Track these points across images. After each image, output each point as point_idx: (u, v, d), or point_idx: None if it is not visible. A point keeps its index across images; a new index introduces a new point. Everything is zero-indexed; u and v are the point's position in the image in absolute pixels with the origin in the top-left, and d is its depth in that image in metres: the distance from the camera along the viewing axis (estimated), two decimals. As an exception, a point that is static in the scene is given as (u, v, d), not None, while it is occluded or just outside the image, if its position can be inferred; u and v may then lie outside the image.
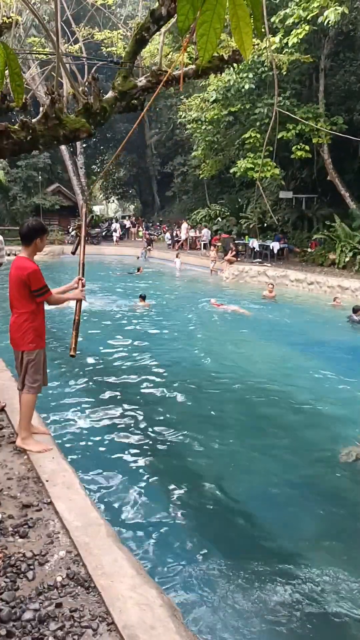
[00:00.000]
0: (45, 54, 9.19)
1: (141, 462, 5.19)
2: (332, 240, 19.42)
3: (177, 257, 22.55)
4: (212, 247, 22.78)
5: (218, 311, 13.82)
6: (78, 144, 31.63)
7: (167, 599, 2.68)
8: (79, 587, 2.65)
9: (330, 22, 14.33)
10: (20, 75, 1.57)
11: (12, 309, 4.19)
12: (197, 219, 27.86)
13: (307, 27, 15.44)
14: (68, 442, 5.47)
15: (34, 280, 4.02)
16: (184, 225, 27.21)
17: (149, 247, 27.51)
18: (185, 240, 26.44)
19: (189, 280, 20.13)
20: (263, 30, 1.86)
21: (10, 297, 4.15)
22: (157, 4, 5.13)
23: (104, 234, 31.15)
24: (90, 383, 7.61)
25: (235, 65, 6.72)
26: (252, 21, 1.64)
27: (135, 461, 5.20)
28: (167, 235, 28.87)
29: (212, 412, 6.78)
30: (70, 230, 31.13)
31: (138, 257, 26.72)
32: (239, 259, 21.17)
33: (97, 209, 43.96)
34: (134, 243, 31.10)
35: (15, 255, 4.40)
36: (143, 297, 13.92)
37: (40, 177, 31.51)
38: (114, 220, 37.30)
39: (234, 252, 20.96)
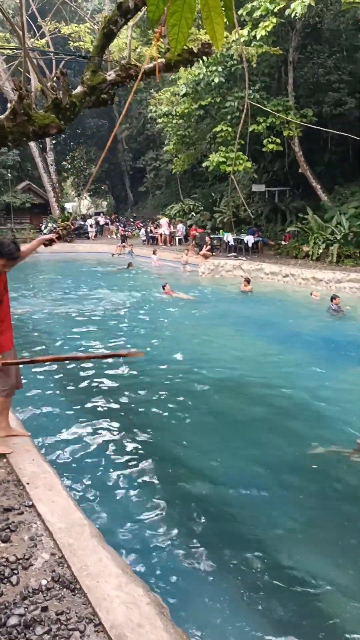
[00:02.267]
0: (10, 49, 9.01)
1: (122, 460, 5.16)
2: (305, 232, 19.59)
3: (153, 253, 22.42)
4: (193, 241, 22.72)
5: (199, 307, 13.86)
6: (47, 140, 31.22)
7: (154, 597, 2.66)
8: (65, 590, 2.62)
9: (297, 15, 14.39)
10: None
11: None
12: (172, 214, 27.78)
13: (274, 20, 15.48)
14: (48, 444, 5.40)
15: None
16: (164, 220, 26.99)
17: (124, 243, 27.30)
18: (169, 235, 26.22)
19: (166, 276, 20.09)
20: (234, 21, 1.84)
21: None
22: (124, -4, 5.07)
23: (76, 232, 30.83)
24: (66, 384, 7.52)
25: (204, 58, 6.70)
26: (223, 11, 1.61)
27: (116, 460, 5.17)
28: (142, 231, 28.68)
29: (191, 407, 6.77)
30: (43, 228, 30.73)
31: (113, 254, 26.53)
32: (214, 254, 21.20)
33: (68, 206, 43.47)
34: (108, 240, 30.83)
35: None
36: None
37: (9, 174, 30.99)
38: (87, 217, 36.90)
39: (209, 247, 20.99)
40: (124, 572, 2.77)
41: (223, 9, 1.63)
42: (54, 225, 30.15)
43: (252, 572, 3.62)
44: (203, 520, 4.21)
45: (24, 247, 4.27)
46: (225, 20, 1.68)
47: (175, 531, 4.02)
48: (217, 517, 4.32)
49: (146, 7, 4.90)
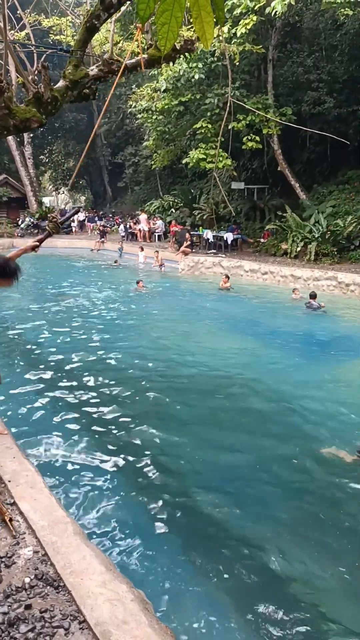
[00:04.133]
0: (-11, 40, 8.78)
1: (105, 458, 5.15)
2: (283, 230, 19.77)
3: (140, 250, 22.22)
4: (174, 238, 22.64)
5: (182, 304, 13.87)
6: (25, 134, 30.79)
7: (138, 593, 2.67)
8: (48, 587, 2.61)
9: (277, 13, 14.47)
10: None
11: None
12: (151, 210, 27.70)
13: (254, 18, 15.56)
14: (29, 442, 5.36)
15: None
16: (143, 217, 26.86)
17: (103, 239, 27.13)
18: (148, 231, 26.06)
19: (153, 273, 20.03)
20: (223, 20, 1.85)
21: None
22: (107, -10, 5.02)
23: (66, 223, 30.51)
24: (48, 381, 7.46)
25: (186, 54, 6.69)
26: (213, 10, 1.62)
27: (98, 458, 5.15)
28: (121, 227, 28.51)
29: (173, 404, 6.79)
30: (20, 222, 30.33)
31: (92, 250, 26.36)
32: (193, 250, 21.23)
33: (46, 200, 42.99)
34: (87, 235, 30.58)
35: None
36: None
37: (-14, 168, 30.50)
38: (70, 210, 36.51)
39: (188, 243, 21.00)
40: (108, 569, 2.77)
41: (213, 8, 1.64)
42: (32, 220, 29.78)
43: (237, 569, 3.65)
44: (188, 518, 4.24)
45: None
46: (215, 19, 1.69)
47: (159, 528, 4.04)
48: (201, 515, 4.34)
49: (129, 2, 4.88)
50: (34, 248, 4.45)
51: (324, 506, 4.51)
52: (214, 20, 1.69)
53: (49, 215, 4.66)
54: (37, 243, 4.50)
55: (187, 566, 3.66)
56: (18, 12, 7.71)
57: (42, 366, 8.12)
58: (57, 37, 15.95)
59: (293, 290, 14.17)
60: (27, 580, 2.65)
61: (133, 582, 2.78)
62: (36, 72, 5.19)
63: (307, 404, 6.75)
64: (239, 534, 4.07)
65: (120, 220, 31.66)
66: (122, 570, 3.01)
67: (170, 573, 3.56)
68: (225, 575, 3.58)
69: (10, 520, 3.10)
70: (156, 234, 25.79)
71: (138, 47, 4.69)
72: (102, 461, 5.08)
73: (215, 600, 3.37)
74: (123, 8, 5.50)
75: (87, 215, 33.73)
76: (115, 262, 21.80)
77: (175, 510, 4.32)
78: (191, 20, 1.79)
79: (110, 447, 5.40)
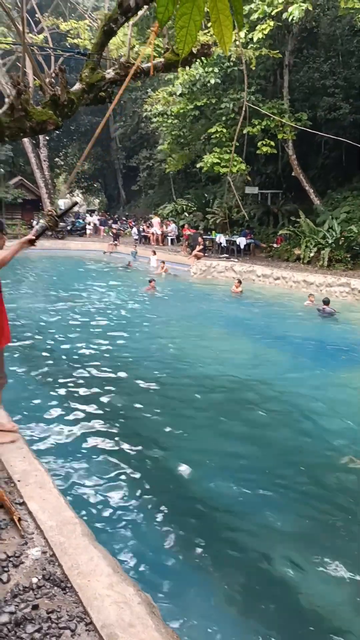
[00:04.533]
0: (8, 44, 8.96)
1: (115, 459, 5.15)
2: (297, 235, 19.70)
3: (153, 254, 22.13)
4: (186, 242, 22.63)
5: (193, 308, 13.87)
6: (41, 136, 31.05)
7: (145, 596, 2.66)
8: (56, 588, 2.61)
9: (294, 19, 14.46)
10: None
11: None
12: (164, 214, 27.76)
13: (271, 23, 15.55)
14: (39, 442, 5.38)
15: None
16: (156, 220, 26.90)
17: (116, 241, 27.23)
18: (161, 234, 26.07)
19: (158, 274, 20.06)
20: (242, 24, 1.85)
21: None
22: (125, -5, 5.05)
23: (69, 228, 30.67)
24: (58, 381, 7.49)
25: (202, 59, 6.70)
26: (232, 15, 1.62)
27: (108, 459, 5.16)
28: (134, 230, 28.61)
29: (183, 408, 6.78)
30: (35, 224, 30.57)
31: (105, 252, 26.46)
32: (206, 255, 21.23)
33: (61, 202, 43.27)
34: (99, 238, 30.70)
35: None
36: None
37: (2, 170, 30.78)
38: (86, 214, 36.71)
39: (201, 247, 21.00)
40: (115, 571, 2.77)
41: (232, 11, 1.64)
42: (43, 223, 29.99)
43: (247, 577, 3.63)
44: (195, 522, 4.22)
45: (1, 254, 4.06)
46: (233, 22, 1.69)
47: (166, 531, 4.02)
48: (209, 519, 4.33)
49: (147, 6, 4.90)
50: (31, 242, 4.24)
51: (340, 515, 4.45)
52: (233, 24, 1.69)
53: (47, 209, 4.53)
54: (33, 237, 4.27)
55: (196, 571, 3.64)
56: (37, 15, 7.81)
57: (51, 366, 8.16)
58: (75, 40, 16.07)
59: (308, 296, 14.00)
60: (34, 580, 2.65)
61: (140, 585, 2.78)
62: (53, 74, 5.23)
63: (320, 410, 6.70)
64: (250, 541, 4.04)
65: (133, 223, 31.76)
66: (129, 573, 3.00)
67: (178, 577, 3.54)
68: (235, 583, 3.56)
69: (19, 520, 3.11)
70: (169, 238, 25.81)
71: (151, 51, 4.71)
72: (111, 463, 5.08)
73: (224, 608, 3.35)
74: (141, 12, 5.53)
75: (99, 218, 33.81)
76: (129, 264, 21.86)
77: (185, 515, 4.31)
78: (208, 24, 1.79)
79: (119, 448, 5.40)
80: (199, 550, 3.85)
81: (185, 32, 1.62)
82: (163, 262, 15.07)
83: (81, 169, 39.87)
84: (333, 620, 3.31)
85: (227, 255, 21.03)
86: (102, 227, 31.66)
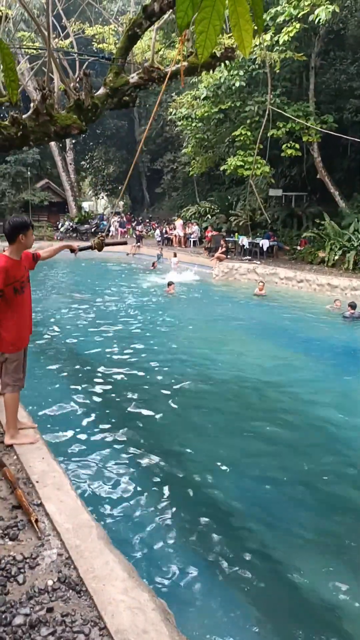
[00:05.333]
0: (35, 49, 9.07)
1: (132, 464, 5.15)
2: (321, 238, 19.49)
3: (174, 255, 22.31)
4: (209, 244, 22.67)
5: (218, 312, 13.84)
6: (67, 140, 31.47)
7: (160, 602, 2.65)
8: (71, 591, 2.62)
9: (321, 21, 14.33)
10: (15, 70, 1.52)
11: None
12: (187, 216, 27.80)
13: (297, 25, 15.44)
14: (58, 443, 5.42)
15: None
16: (179, 222, 26.94)
17: (139, 244, 27.36)
18: (183, 236, 26.10)
19: (180, 276, 20.06)
20: (262, 28, 1.83)
21: None
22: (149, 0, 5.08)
23: (92, 230, 30.94)
24: (78, 382, 7.54)
25: (227, 62, 6.69)
26: (252, 18, 1.60)
27: (126, 462, 5.16)
28: (157, 232, 28.71)
29: (204, 412, 6.76)
30: (60, 226, 30.96)
31: (127, 254, 26.61)
32: (228, 257, 21.17)
33: (86, 205, 43.71)
34: (122, 240, 30.81)
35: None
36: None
37: (29, 172, 31.26)
38: (109, 216, 36.94)
39: (223, 249, 20.96)
40: (130, 576, 2.76)
41: (251, 15, 1.63)
42: (71, 224, 30.34)
43: (265, 587, 3.58)
44: (212, 528, 4.19)
45: (46, 250, 4.55)
46: (254, 26, 1.67)
47: (182, 537, 4.00)
48: (227, 526, 4.29)
49: (171, 10, 4.91)
50: (73, 250, 4.83)
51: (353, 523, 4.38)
52: (253, 27, 1.67)
53: (99, 234, 4.94)
54: (78, 249, 4.88)
55: (213, 579, 3.61)
56: (63, 21, 7.89)
57: (71, 367, 8.23)
58: (100, 45, 16.23)
59: (334, 301, 13.74)
60: (50, 582, 2.66)
61: (155, 590, 2.76)
62: (78, 79, 5.28)
63: (344, 418, 6.59)
64: (269, 550, 3.99)
65: (156, 225, 31.86)
66: (144, 578, 2.99)
67: (194, 584, 3.52)
68: (254, 593, 3.51)
69: (37, 521, 3.13)
70: (191, 240, 25.82)
71: (180, 55, 4.72)
72: (129, 466, 5.08)
73: (241, 618, 3.30)
74: (165, 16, 5.54)
75: (118, 220, 33.80)
76: (154, 264, 22.01)
77: (203, 521, 4.28)
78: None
79: (137, 452, 5.40)
80: (216, 557, 3.82)
81: (205, 36, 1.61)
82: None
83: (106, 172, 40.20)
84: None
85: (249, 258, 20.93)
86: (120, 229, 31.56)
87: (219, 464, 5.30)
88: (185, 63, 5.63)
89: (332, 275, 16.57)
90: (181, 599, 3.34)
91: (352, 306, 12.39)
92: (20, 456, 3.94)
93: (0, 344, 4.08)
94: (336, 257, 18.03)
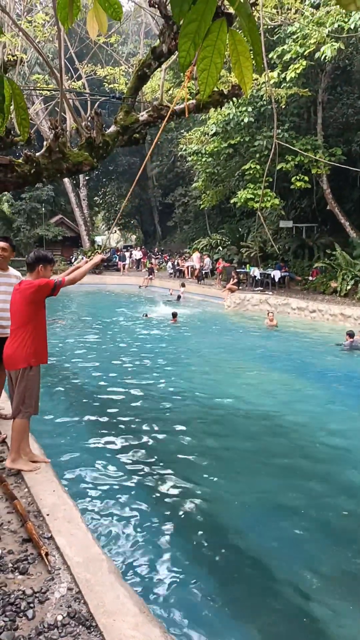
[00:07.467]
0: (48, 90, 9.47)
1: (143, 495, 5.09)
2: (333, 268, 19.54)
3: (182, 286, 22.72)
4: (220, 275, 22.95)
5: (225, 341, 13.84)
6: (81, 176, 32.25)
7: (171, 638, 2.58)
8: (80, 627, 2.56)
9: (327, 58, 14.72)
10: (26, 109, 1.60)
11: (12, 330, 4.30)
12: (199, 248, 28.12)
13: (304, 62, 15.87)
14: (69, 475, 5.38)
15: (45, 285, 4.19)
16: (196, 255, 27.11)
17: (151, 276, 27.65)
18: (199, 269, 26.26)
19: (192, 308, 20.15)
20: (262, 65, 1.90)
21: (12, 319, 4.23)
22: (158, 41, 5.29)
23: (105, 264, 31.38)
24: (90, 414, 7.53)
25: (234, 99, 6.88)
26: (252, 56, 1.68)
27: (137, 495, 5.10)
28: (169, 264, 29.04)
29: (217, 444, 6.68)
30: (73, 260, 31.46)
31: (140, 287, 26.85)
32: (240, 288, 21.26)
33: (98, 239, 44.45)
34: (135, 273, 31.17)
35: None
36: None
37: (43, 208, 32.03)
38: (123, 249, 37.53)
39: (235, 281, 21.08)
40: (141, 611, 2.70)
41: (251, 52, 1.70)
42: (83, 258, 30.82)
43: (280, 627, 3.47)
44: (224, 562, 4.09)
45: (74, 272, 4.63)
46: (254, 64, 1.74)
47: (194, 571, 3.91)
48: (242, 559, 4.18)
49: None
50: (96, 264, 5.00)
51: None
52: (253, 64, 1.74)
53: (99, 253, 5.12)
54: (103, 257, 5.28)
55: (224, 613, 3.51)
56: (76, 63, 8.22)
57: (83, 399, 8.22)
58: (111, 85, 16.82)
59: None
60: (59, 617, 2.62)
61: (166, 625, 2.70)
62: (89, 118, 5.47)
63: (347, 449, 6.49)
64: (284, 586, 3.87)
65: (168, 257, 32.22)
66: (155, 613, 2.92)
67: (206, 620, 3.42)
68: (271, 632, 3.40)
69: (47, 554, 3.10)
70: (203, 271, 26.00)
71: (185, 93, 4.90)
72: (140, 498, 5.01)
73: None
74: (173, 57, 5.76)
75: (118, 253, 33.89)
76: (178, 298, 22.24)
77: (214, 554, 4.18)
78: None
79: (149, 485, 5.34)
80: (230, 592, 3.72)
81: (207, 74, 1.68)
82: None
83: (119, 207, 41.00)
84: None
85: (261, 289, 21.00)
86: (120, 262, 31.64)
87: (233, 496, 5.21)
88: (193, 100, 5.81)
89: (344, 305, 16.52)
90: (193, 634, 3.24)
91: (350, 334, 12.20)
92: (30, 488, 3.92)
93: (20, 360, 4.16)
94: (348, 287, 18.02)
